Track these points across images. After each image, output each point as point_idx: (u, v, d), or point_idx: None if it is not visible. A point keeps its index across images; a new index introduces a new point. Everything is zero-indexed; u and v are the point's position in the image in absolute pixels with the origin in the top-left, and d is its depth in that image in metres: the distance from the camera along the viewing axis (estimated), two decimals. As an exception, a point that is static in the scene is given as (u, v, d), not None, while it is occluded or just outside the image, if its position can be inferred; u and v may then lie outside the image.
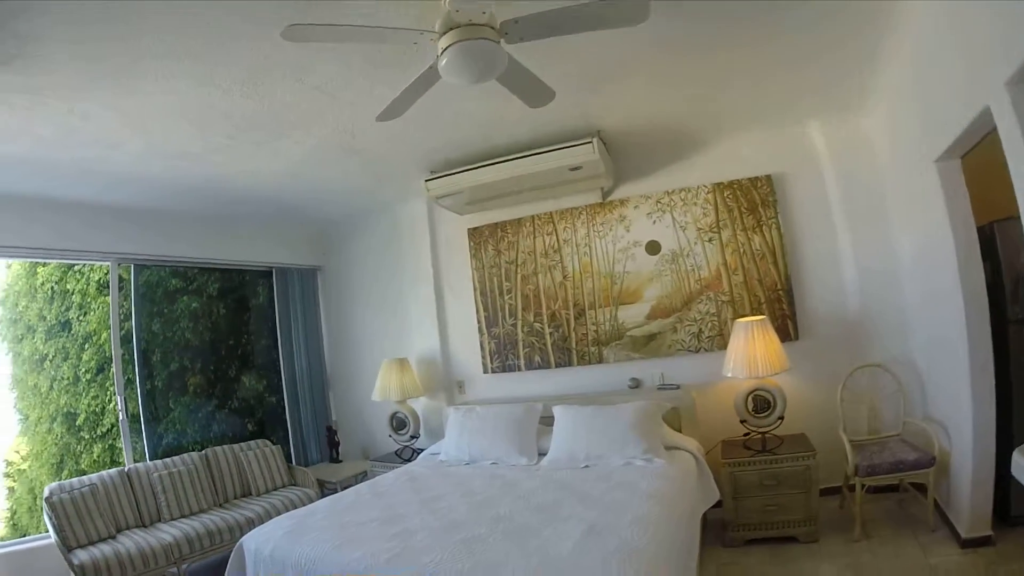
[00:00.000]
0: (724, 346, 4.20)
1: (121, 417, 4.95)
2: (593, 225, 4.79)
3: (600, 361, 4.77)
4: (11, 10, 2.15)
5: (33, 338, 6.07)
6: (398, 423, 5.30)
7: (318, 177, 4.66)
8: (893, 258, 4.08)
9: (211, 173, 4.30)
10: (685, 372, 4.54)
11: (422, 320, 5.61)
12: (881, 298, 4.16)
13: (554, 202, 4.92)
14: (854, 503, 3.59)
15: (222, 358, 6.13)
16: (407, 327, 5.75)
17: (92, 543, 4.05)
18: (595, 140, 3.91)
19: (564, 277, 4.89)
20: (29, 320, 6.06)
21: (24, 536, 4.62)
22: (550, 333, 4.94)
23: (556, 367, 4.94)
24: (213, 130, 3.53)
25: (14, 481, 6.20)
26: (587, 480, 3.46)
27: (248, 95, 3.08)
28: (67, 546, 3.96)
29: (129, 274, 5.30)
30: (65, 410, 5.94)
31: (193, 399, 5.90)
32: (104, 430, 5.86)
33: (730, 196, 4.44)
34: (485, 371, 5.29)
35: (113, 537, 4.17)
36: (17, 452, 6.26)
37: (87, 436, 5.93)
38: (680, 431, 4.18)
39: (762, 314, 4.18)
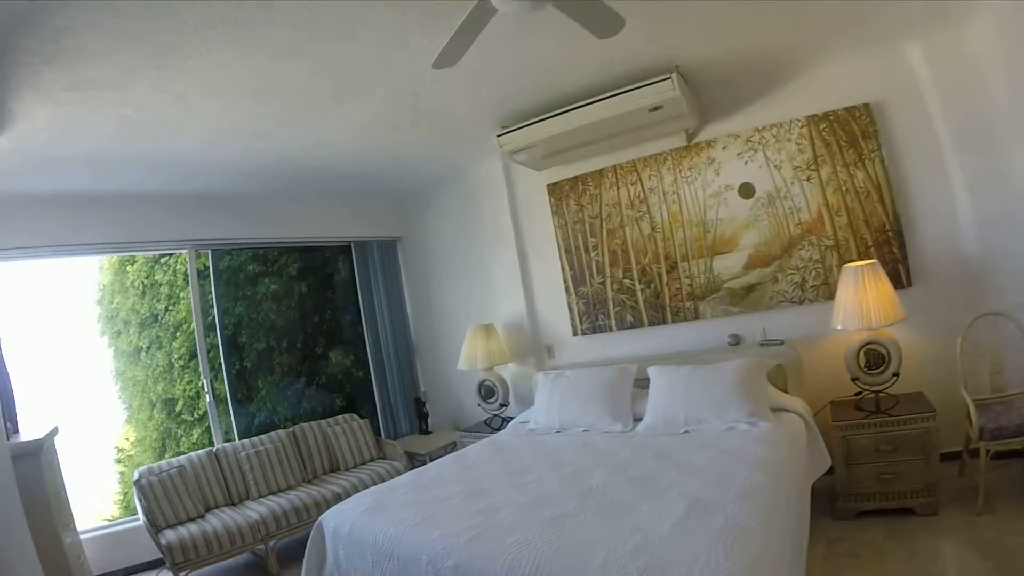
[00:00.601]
0: (830, 296, 3.96)
1: (208, 399, 5.26)
2: (680, 171, 4.60)
3: (696, 317, 4.62)
4: (45, 7, 2.21)
5: (129, 332, 6.63)
6: (486, 391, 5.34)
7: (388, 144, 4.68)
8: (1013, 190, 3.68)
9: (278, 150, 4.38)
10: (789, 326, 4.31)
11: (506, 283, 5.61)
12: (1002, 236, 3.75)
13: (636, 149, 4.74)
14: (977, 471, 3.30)
15: (308, 336, 6.39)
16: (492, 292, 5.77)
17: (180, 523, 4.32)
18: (674, 75, 3.70)
19: (652, 229, 4.74)
20: (124, 315, 6.65)
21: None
22: (641, 289, 4.83)
23: (649, 325, 4.83)
24: (271, 102, 3.55)
25: (124, 466, 6.84)
26: (687, 447, 3.32)
27: (299, 58, 3.04)
28: (155, 526, 4.24)
29: (208, 261, 5.58)
30: (163, 397, 6.46)
31: (281, 378, 6.19)
32: (201, 413, 6.31)
33: (826, 129, 4.13)
34: (575, 333, 5.24)
35: (202, 516, 4.44)
36: (126, 439, 6.88)
37: (187, 419, 6.42)
38: (786, 391, 3.97)
39: (870, 258, 3.87)
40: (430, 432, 6.06)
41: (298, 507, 4.49)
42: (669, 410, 3.82)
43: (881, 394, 3.67)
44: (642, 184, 4.76)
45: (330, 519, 3.29)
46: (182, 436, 6.49)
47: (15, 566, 2.95)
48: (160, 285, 6.49)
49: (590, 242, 5.04)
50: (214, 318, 5.62)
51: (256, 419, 5.94)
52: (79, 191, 4.44)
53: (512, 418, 4.94)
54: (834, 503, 3.58)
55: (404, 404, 6.21)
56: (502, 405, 5.28)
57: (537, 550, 2.28)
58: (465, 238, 5.96)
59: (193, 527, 4.20)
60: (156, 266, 6.48)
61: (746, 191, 4.36)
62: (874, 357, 3.63)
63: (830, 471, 3.55)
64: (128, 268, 6.58)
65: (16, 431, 3.90)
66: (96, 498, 6.45)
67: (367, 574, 2.94)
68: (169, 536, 4.08)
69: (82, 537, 4.40)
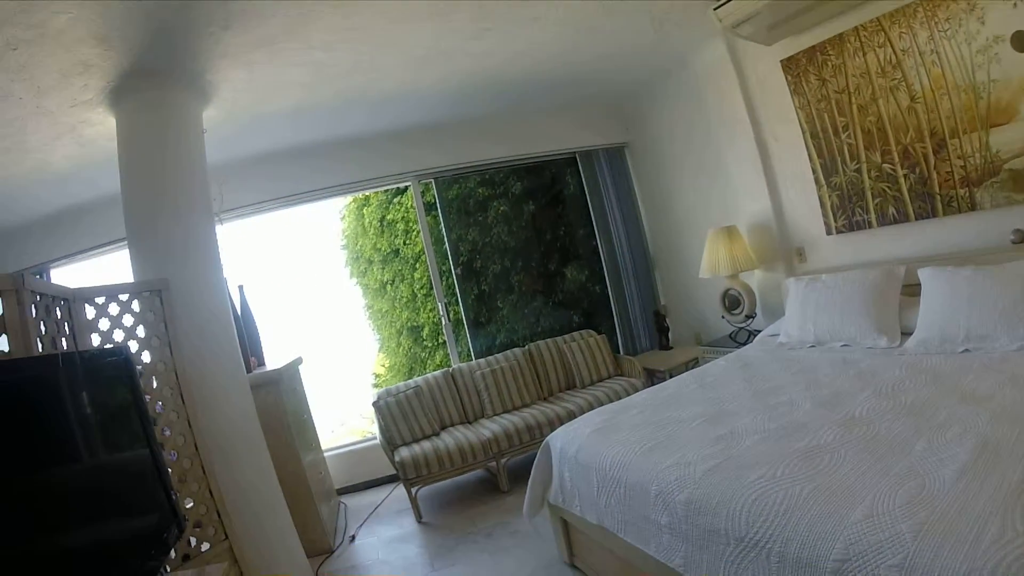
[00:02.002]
0: None
1: (444, 323, 5.94)
2: (935, 23, 3.87)
3: (972, 208, 3.95)
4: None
5: (373, 269, 7.84)
6: (731, 302, 5.23)
7: (592, 41, 4.63)
8: None
9: (479, 67, 4.57)
10: (1088, 217, 3.49)
11: (747, 180, 5.35)
12: None
13: (876, 5, 4.12)
14: None
15: (543, 254, 6.78)
16: (732, 190, 5.55)
17: (415, 440, 4.93)
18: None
19: (912, 99, 4.10)
20: (367, 255, 7.85)
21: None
22: (904, 176, 4.26)
23: (916, 220, 4.27)
24: (452, 18, 3.67)
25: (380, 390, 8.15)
26: (968, 370, 2.90)
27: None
28: (391, 444, 4.89)
29: (432, 191, 6.10)
30: (409, 325, 7.48)
31: (519, 298, 6.68)
32: (444, 338, 7.09)
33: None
34: (828, 232, 4.84)
35: (436, 434, 5.03)
36: (382, 366, 8.10)
37: (430, 344, 7.43)
38: (1086, 300, 3.28)
39: None
40: (671, 347, 6.14)
41: (531, 425, 4.88)
42: (945, 322, 3.41)
43: None
44: (892, 45, 4.12)
45: (557, 439, 3.43)
46: (427, 359, 7.47)
47: (254, 478, 3.64)
48: (395, 223, 7.44)
49: (839, 122, 4.54)
50: (449, 243, 6.18)
51: (496, 339, 6.52)
52: (296, 143, 5.11)
53: (759, 331, 4.82)
54: None
55: (643, 318, 6.32)
56: (748, 317, 5.13)
57: (786, 490, 2.09)
58: (696, 134, 5.75)
59: (427, 444, 4.79)
60: (389, 205, 7.41)
61: (1021, 42, 3.63)
62: None
63: None
64: (364, 211, 7.65)
65: (261, 363, 4.69)
66: (360, 419, 7.77)
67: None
68: (403, 453, 4.70)
69: (326, 455, 5.29)
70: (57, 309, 2.73)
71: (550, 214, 6.88)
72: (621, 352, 6.21)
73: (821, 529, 1.88)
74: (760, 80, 5.08)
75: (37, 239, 5.41)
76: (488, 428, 4.94)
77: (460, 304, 6.22)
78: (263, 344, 4.85)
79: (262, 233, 6.71)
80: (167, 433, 3.24)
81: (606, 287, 6.45)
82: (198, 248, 3.70)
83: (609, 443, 3.01)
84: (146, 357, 3.27)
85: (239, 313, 4.62)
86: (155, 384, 3.25)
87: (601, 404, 4.76)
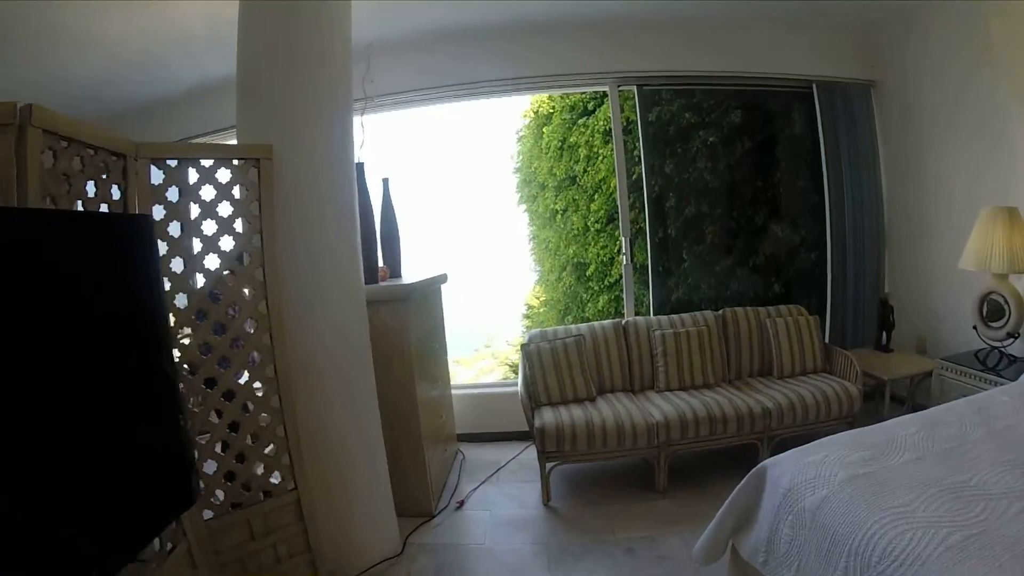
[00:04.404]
0: None
1: (625, 263, 5.55)
2: None
3: None
4: None
5: (545, 195, 7.87)
6: (992, 310, 4.48)
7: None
8: None
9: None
10: None
11: None
12: None
13: None
14: None
15: (747, 203, 6.31)
16: (1012, 164, 4.75)
17: (564, 403, 4.47)
18: None
19: None
20: (541, 179, 7.88)
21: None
22: None
23: None
24: None
25: (531, 322, 8.45)
26: None
27: None
28: (534, 401, 4.44)
29: (636, 111, 5.68)
30: (575, 260, 7.43)
31: (710, 250, 6.29)
32: (612, 281, 7.19)
33: None
34: None
35: (591, 399, 4.56)
36: (537, 298, 8.20)
37: (595, 287, 7.44)
38: None
39: None
40: (891, 350, 5.47)
41: (714, 415, 4.27)
42: None
43: None
44: None
45: (784, 471, 2.61)
46: (588, 302, 7.49)
47: (346, 415, 3.39)
48: (577, 146, 7.32)
49: None
50: (641, 175, 5.78)
51: (673, 295, 6.20)
52: (468, 21, 4.93)
53: (1016, 358, 4.22)
54: None
55: (861, 305, 5.73)
56: (1010, 335, 4.35)
57: None
58: (970, 83, 4.98)
59: (577, 412, 4.32)
60: (573, 127, 7.34)
61: None
62: None
63: None
64: (544, 130, 7.65)
65: (396, 274, 4.43)
66: (506, 345, 7.81)
67: None
68: (546, 416, 4.26)
69: (454, 393, 5.12)
70: (105, 164, 2.36)
71: (766, 156, 6.28)
72: (827, 340, 5.61)
73: None
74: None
75: (166, 118, 5.48)
76: (657, 406, 4.40)
77: (648, 246, 5.80)
78: (402, 252, 4.58)
79: (416, 129, 6.62)
80: (238, 347, 2.92)
81: (823, 257, 5.84)
82: (322, 114, 3.28)
83: (881, 510, 2.12)
84: (226, 243, 2.91)
85: (377, 213, 4.39)
86: (232, 282, 2.93)
87: (806, 405, 4.35)
